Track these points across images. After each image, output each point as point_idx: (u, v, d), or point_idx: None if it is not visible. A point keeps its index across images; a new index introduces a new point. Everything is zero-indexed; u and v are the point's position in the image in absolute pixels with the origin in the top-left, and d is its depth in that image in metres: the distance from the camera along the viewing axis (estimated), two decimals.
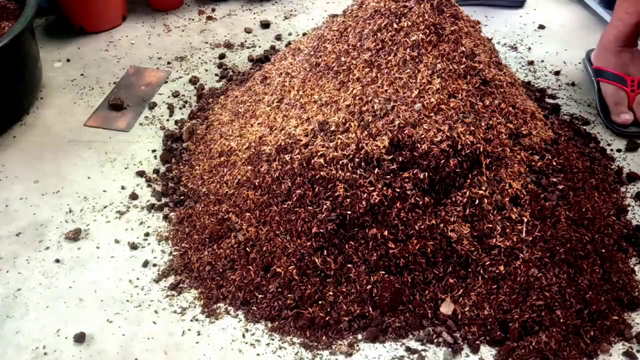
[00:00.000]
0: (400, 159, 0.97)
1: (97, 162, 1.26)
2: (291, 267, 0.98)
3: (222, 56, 1.57)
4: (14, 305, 1.00)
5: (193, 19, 1.73)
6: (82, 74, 1.51)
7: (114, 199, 1.18)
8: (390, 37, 1.05)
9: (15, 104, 1.35)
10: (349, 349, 0.93)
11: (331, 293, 0.97)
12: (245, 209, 1.06)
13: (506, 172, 1.00)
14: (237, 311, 0.99)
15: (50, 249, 1.09)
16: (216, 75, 1.51)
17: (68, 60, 1.55)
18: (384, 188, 0.96)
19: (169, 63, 1.56)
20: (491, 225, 0.98)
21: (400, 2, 1.06)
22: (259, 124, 1.16)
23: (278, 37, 1.65)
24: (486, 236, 0.98)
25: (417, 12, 1.05)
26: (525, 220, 0.98)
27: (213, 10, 1.77)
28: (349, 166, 0.98)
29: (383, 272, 0.97)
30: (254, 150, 1.11)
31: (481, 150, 0.99)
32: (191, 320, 0.98)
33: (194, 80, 1.48)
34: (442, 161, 0.97)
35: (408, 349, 0.93)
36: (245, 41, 1.64)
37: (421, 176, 0.97)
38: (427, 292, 0.98)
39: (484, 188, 0.98)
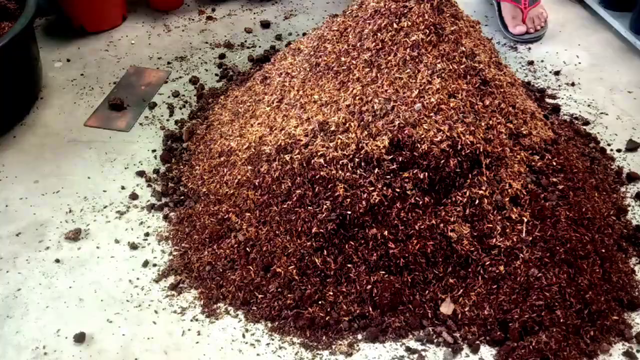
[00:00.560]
0: (400, 159, 0.97)
1: (97, 162, 1.26)
2: (291, 267, 0.98)
3: (222, 56, 1.57)
4: (14, 305, 1.00)
5: (193, 19, 1.73)
6: (82, 74, 1.51)
7: (114, 199, 1.18)
8: (390, 37, 1.05)
9: (15, 104, 1.35)
10: (349, 349, 0.93)
11: (331, 293, 0.97)
12: (245, 209, 1.06)
13: (506, 172, 1.00)
14: (237, 311, 0.99)
15: (50, 249, 1.09)
16: (216, 75, 1.51)
17: (68, 60, 1.55)
18: (384, 188, 0.96)
19: (169, 63, 1.56)
20: (491, 225, 0.97)
21: (400, 2, 1.06)
22: (259, 124, 1.16)
23: (278, 37, 1.65)
24: (486, 236, 0.98)
25: (417, 12, 1.05)
26: (525, 220, 0.98)
27: (213, 10, 1.77)
28: (349, 166, 0.98)
29: (383, 272, 0.97)
30: (254, 150, 1.11)
31: (481, 150, 0.99)
32: (191, 320, 0.98)
33: (194, 80, 1.48)
34: (442, 161, 0.97)
35: (408, 349, 0.93)
36: (245, 41, 1.64)
37: (421, 176, 0.97)
38: (427, 292, 0.98)
39: (484, 188, 0.98)
